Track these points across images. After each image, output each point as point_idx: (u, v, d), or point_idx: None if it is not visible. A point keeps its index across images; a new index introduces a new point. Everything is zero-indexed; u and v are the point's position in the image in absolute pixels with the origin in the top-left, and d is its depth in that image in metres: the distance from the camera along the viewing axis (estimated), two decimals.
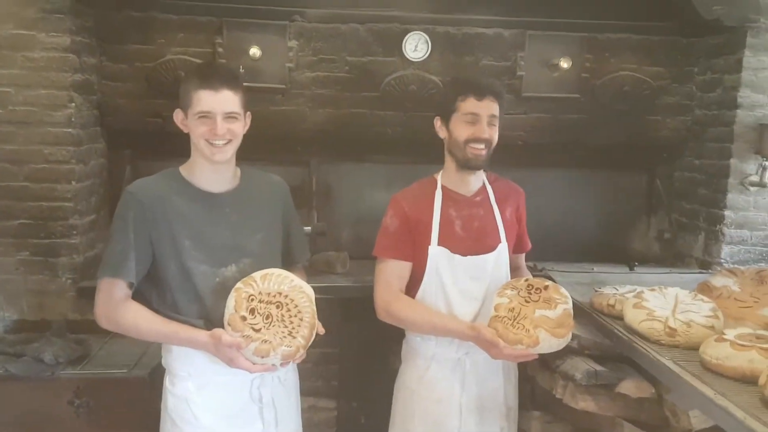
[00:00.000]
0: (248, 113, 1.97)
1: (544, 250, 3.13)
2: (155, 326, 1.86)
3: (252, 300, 1.84)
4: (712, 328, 2.01)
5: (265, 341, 1.80)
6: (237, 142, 1.92)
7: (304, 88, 3.14)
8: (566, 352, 2.44)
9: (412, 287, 2.21)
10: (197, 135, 1.87)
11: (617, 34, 3.21)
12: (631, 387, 2.30)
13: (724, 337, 1.85)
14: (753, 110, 2.98)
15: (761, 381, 1.61)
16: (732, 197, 3.06)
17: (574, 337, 2.40)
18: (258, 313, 1.83)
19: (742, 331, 1.90)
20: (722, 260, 3.09)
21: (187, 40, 3.05)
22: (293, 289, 1.91)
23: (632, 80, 3.18)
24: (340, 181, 3.38)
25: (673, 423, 2.16)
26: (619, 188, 3.56)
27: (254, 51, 3.03)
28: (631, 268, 3.10)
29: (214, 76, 1.87)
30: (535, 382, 2.71)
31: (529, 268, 2.97)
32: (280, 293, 1.88)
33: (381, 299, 2.18)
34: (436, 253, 2.16)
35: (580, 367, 2.37)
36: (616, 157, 3.42)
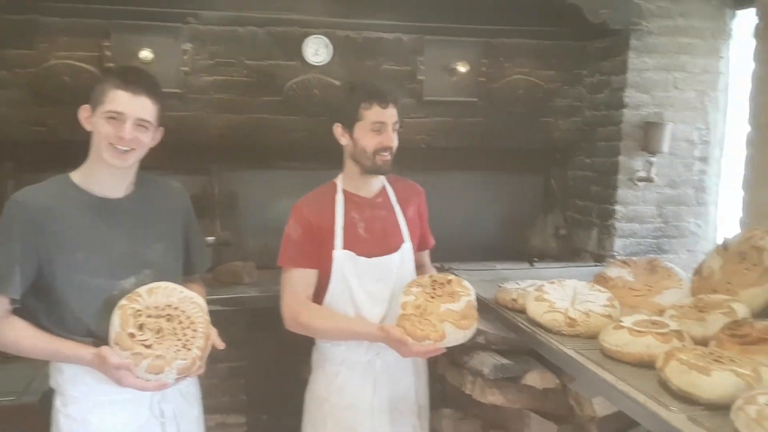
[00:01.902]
0: (161, 129, 1.86)
1: (449, 250, 3.18)
2: (38, 344, 1.72)
3: (139, 315, 1.73)
4: (609, 316, 2.10)
5: (159, 356, 1.69)
6: (140, 154, 1.81)
7: (202, 93, 3.04)
8: (474, 347, 2.48)
9: (319, 293, 2.17)
10: (101, 135, 1.75)
11: (512, 39, 3.33)
12: (536, 378, 2.36)
13: (622, 324, 1.93)
14: (638, 109, 3.17)
15: (658, 364, 1.69)
16: (622, 193, 3.24)
17: (480, 333, 2.44)
18: (147, 328, 1.72)
19: (638, 317, 1.98)
20: (615, 253, 3.26)
21: (72, 44, 2.88)
22: (183, 300, 1.81)
23: (526, 84, 3.31)
24: (244, 188, 3.29)
25: (578, 411, 2.23)
26: (518, 189, 3.68)
27: (145, 54, 2.90)
28: (532, 264, 3.21)
29: (137, 80, 1.78)
30: (445, 380, 2.73)
31: (435, 268, 3.02)
32: (169, 305, 1.78)
33: (289, 309, 2.13)
34: (341, 257, 2.13)
35: (487, 362, 2.41)
36: (514, 158, 3.54)
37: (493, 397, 2.39)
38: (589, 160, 3.46)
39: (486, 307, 2.54)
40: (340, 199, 2.18)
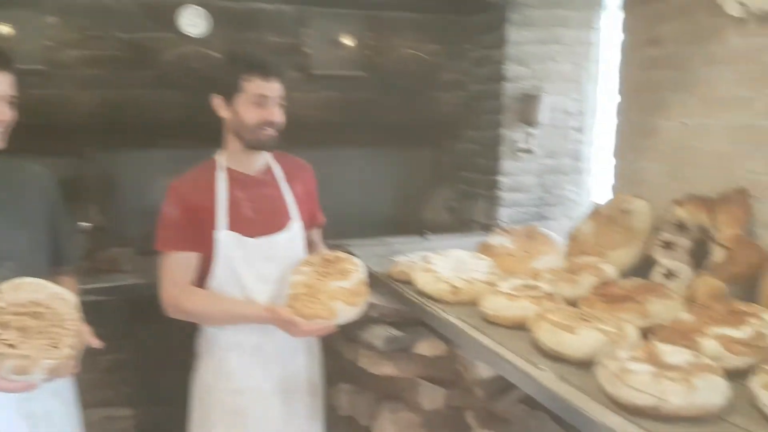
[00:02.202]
0: None
1: (343, 227, 3.16)
2: None
3: (1, 313, 1.60)
4: (490, 283, 2.17)
5: (24, 356, 1.57)
6: (5, 130, 1.67)
7: (69, 70, 2.82)
8: (367, 321, 2.50)
9: (203, 277, 2.10)
10: None
11: (397, 12, 3.32)
12: (426, 347, 2.41)
13: (499, 290, 2.00)
14: (518, 82, 3.26)
15: (531, 326, 1.76)
16: (505, 164, 3.34)
17: (374, 306, 2.46)
18: (11, 327, 1.59)
19: (515, 282, 2.07)
20: (501, 222, 3.37)
21: None
22: (51, 296, 1.69)
23: (412, 58, 3.33)
24: (120, 170, 3.11)
25: (465, 375, 2.30)
26: (409, 163, 3.72)
27: (3, 29, 2.65)
28: (424, 237, 3.25)
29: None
30: (341, 356, 2.74)
31: (329, 246, 3.00)
32: (35, 302, 1.65)
33: (168, 295, 2.05)
34: (224, 238, 2.06)
35: (380, 334, 2.43)
36: (403, 133, 3.56)
37: (385, 368, 2.43)
38: (475, 133, 3.55)
39: (378, 282, 2.56)
40: (221, 177, 2.11)
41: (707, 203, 2.00)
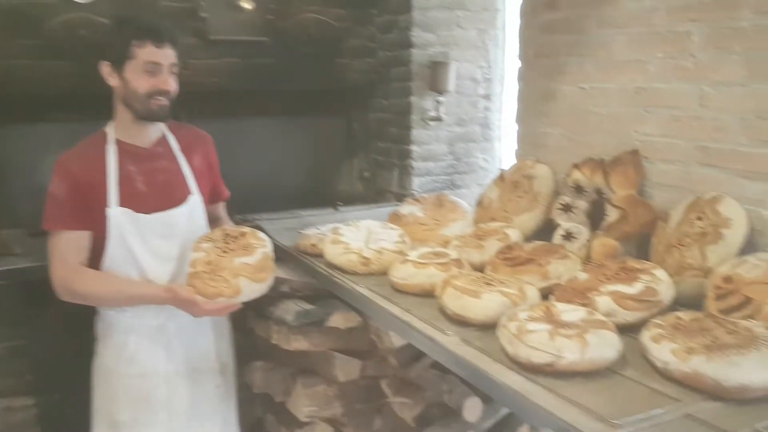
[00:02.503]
0: None
1: (253, 201, 3.09)
2: None
3: None
4: (400, 252, 2.17)
5: None
6: None
7: None
8: (279, 297, 2.46)
9: (96, 258, 1.98)
10: None
11: None
12: (339, 319, 2.40)
13: (408, 258, 1.99)
14: (425, 49, 3.24)
15: (437, 293, 1.77)
16: (416, 133, 3.33)
17: (285, 281, 2.42)
18: None
19: (423, 250, 2.07)
20: (414, 191, 3.37)
21: None
22: None
23: (317, 23, 3.23)
24: (6, 147, 2.88)
25: (379, 345, 2.31)
26: (321, 133, 3.64)
27: None
28: (336, 209, 3.21)
29: None
30: (254, 333, 2.69)
31: (239, 220, 2.91)
32: None
33: (59, 277, 1.92)
34: (116, 215, 1.95)
35: (291, 309, 2.39)
36: (313, 101, 3.47)
37: (297, 343, 2.40)
38: (386, 102, 3.51)
39: (288, 255, 2.52)
40: (112, 150, 1.99)
41: (602, 166, 2.06)
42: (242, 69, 3.15)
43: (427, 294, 1.88)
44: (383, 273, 2.10)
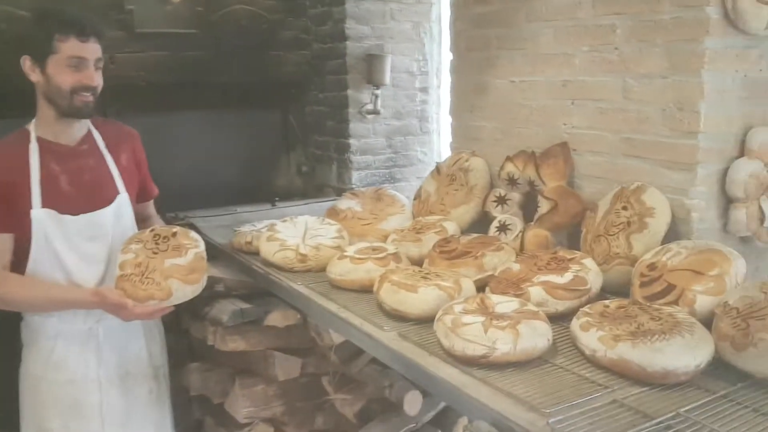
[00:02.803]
0: None
1: (185, 198, 3.01)
2: None
3: None
4: (338, 248, 2.16)
5: None
6: None
7: None
8: (214, 296, 2.40)
9: (20, 262, 1.89)
10: None
11: None
12: (278, 317, 2.36)
13: (345, 253, 1.98)
14: (361, 41, 3.23)
15: (375, 288, 1.77)
16: (354, 126, 3.32)
17: (219, 280, 2.37)
18: None
19: (361, 245, 2.06)
20: (353, 185, 3.35)
21: None
22: None
23: (248, 14, 3.17)
24: None
25: (319, 342, 2.29)
26: (256, 127, 3.56)
27: None
28: (273, 204, 3.17)
29: None
30: (190, 335, 2.62)
31: (171, 219, 2.84)
32: None
33: None
34: (40, 217, 1.86)
35: (226, 309, 2.34)
36: (247, 95, 3.40)
37: (234, 344, 2.35)
38: (322, 95, 3.48)
39: (222, 254, 2.47)
40: (34, 149, 1.90)
41: (534, 158, 2.10)
42: (171, 62, 3.06)
43: (366, 289, 1.88)
44: (321, 269, 2.09)
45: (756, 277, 1.70)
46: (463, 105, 2.57)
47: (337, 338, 2.21)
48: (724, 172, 1.75)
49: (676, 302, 1.50)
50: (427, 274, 1.76)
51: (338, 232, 2.26)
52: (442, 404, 2.08)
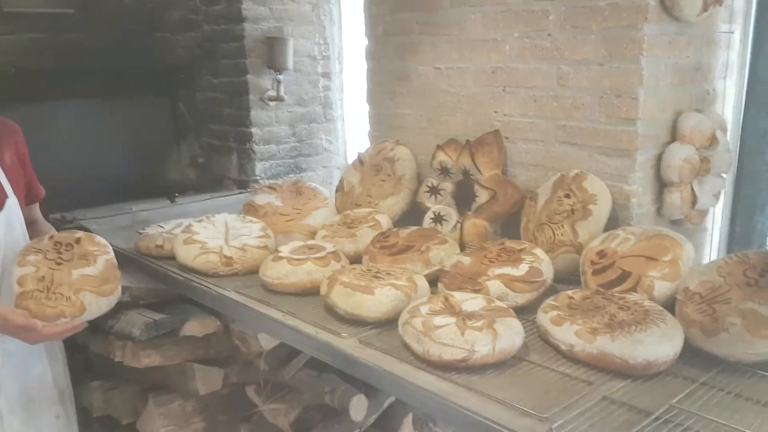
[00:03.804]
0: None
1: (70, 196, 2.68)
2: None
3: None
4: (265, 248, 1.99)
5: None
6: None
7: None
8: (119, 308, 2.13)
9: None
10: None
11: None
12: (195, 327, 2.16)
13: (280, 255, 1.83)
14: (258, 23, 3.02)
15: (323, 291, 1.64)
16: (255, 114, 3.12)
17: (125, 289, 2.09)
18: None
19: (295, 245, 1.91)
20: (257, 177, 3.16)
21: None
22: None
23: None
24: None
25: (244, 349, 2.11)
26: (142, 116, 3.25)
27: None
28: (173, 201, 2.90)
29: None
30: (88, 351, 2.33)
31: (56, 221, 2.51)
32: None
33: None
34: None
35: (137, 321, 2.10)
36: (132, 81, 3.08)
37: (149, 359, 2.11)
38: (217, 80, 3.24)
39: (127, 260, 2.19)
40: None
41: (466, 146, 2.05)
42: (46, 45, 2.70)
43: (306, 292, 1.75)
44: (249, 272, 1.93)
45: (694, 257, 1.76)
46: (382, 92, 2.47)
47: (267, 344, 2.06)
48: (659, 158, 1.80)
49: (633, 289, 1.51)
50: (378, 272, 1.65)
51: (263, 230, 2.09)
52: (386, 405, 1.99)
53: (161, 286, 2.13)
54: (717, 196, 1.88)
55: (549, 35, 1.90)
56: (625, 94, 1.75)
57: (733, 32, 1.89)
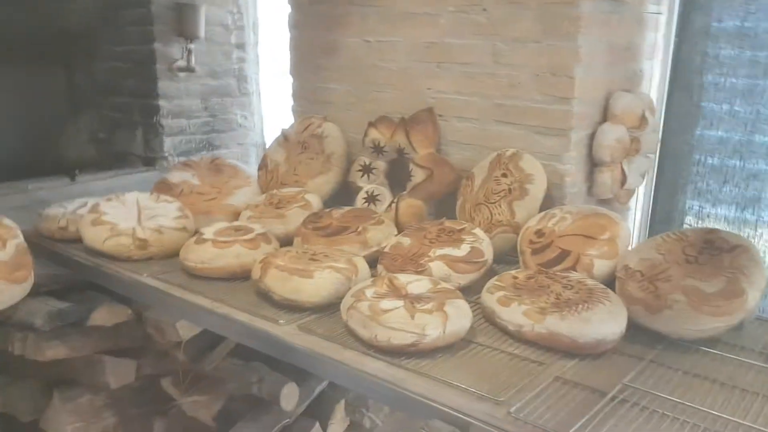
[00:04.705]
0: None
1: None
2: None
3: None
4: (184, 229, 1.85)
5: None
6: None
7: None
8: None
9: None
10: None
11: None
12: (104, 315, 1.98)
13: (204, 237, 1.69)
14: None
15: (255, 275, 1.52)
16: (163, 85, 2.90)
17: None
18: None
19: (219, 226, 1.78)
20: (166, 154, 2.95)
21: None
22: None
23: None
24: None
25: (159, 339, 1.96)
26: (34, 87, 2.96)
27: None
28: (73, 178, 2.65)
29: None
30: None
31: None
32: None
33: None
34: None
35: (39, 310, 1.89)
36: (22, 48, 2.77)
37: (53, 351, 1.91)
38: (120, 49, 2.98)
39: (27, 242, 1.96)
40: None
41: (401, 124, 1.98)
42: None
43: (234, 276, 1.63)
44: (166, 256, 1.79)
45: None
46: (306, 65, 2.35)
47: (186, 333, 1.91)
48: (591, 137, 1.81)
49: (573, 268, 1.51)
50: (314, 255, 1.56)
51: (180, 210, 1.93)
52: (317, 391, 1.91)
53: (65, 272, 1.93)
54: (644, 176, 1.93)
55: (484, 10, 1.86)
56: (561, 73, 1.74)
57: (660, 13, 1.93)
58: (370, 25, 2.14)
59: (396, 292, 1.37)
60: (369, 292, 1.35)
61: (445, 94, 2.00)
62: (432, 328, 1.25)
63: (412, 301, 1.31)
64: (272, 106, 3.18)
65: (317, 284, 1.44)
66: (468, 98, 1.94)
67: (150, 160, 2.98)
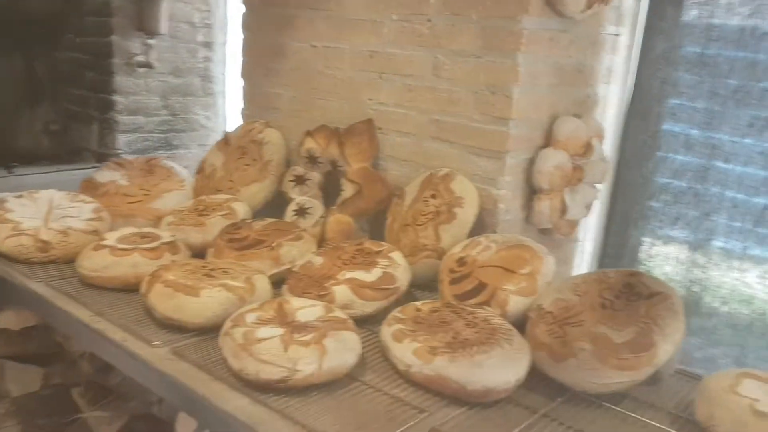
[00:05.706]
0: None
1: None
2: None
3: None
4: (95, 232, 1.74)
5: None
6: None
7: None
8: None
9: None
10: None
11: None
12: (10, 319, 1.87)
13: (104, 243, 1.58)
14: None
15: (142, 289, 1.41)
16: (120, 80, 2.79)
17: None
18: None
19: (125, 232, 1.67)
20: (119, 151, 2.84)
21: None
22: None
23: None
24: None
25: (67, 348, 1.85)
26: None
27: None
28: (10, 171, 2.54)
29: None
30: None
31: None
32: None
33: None
34: None
35: None
36: None
37: None
38: (79, 40, 2.89)
39: None
40: None
41: (336, 135, 1.87)
42: None
43: (131, 287, 1.51)
44: (71, 261, 1.66)
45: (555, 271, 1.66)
46: (256, 67, 2.24)
47: None
48: (530, 162, 1.69)
49: (488, 302, 1.38)
50: (213, 270, 1.44)
51: (95, 212, 1.82)
52: None
53: None
54: (589, 207, 1.80)
55: (429, 20, 1.75)
56: (499, 91, 1.62)
57: (619, 35, 1.81)
58: (318, 29, 2.03)
59: (282, 318, 1.25)
60: (251, 317, 1.23)
61: (386, 107, 1.88)
62: (305, 363, 1.12)
63: (293, 330, 1.19)
64: (238, 107, 3.06)
65: (202, 303, 1.32)
66: (407, 112, 1.83)
67: (103, 156, 2.87)
